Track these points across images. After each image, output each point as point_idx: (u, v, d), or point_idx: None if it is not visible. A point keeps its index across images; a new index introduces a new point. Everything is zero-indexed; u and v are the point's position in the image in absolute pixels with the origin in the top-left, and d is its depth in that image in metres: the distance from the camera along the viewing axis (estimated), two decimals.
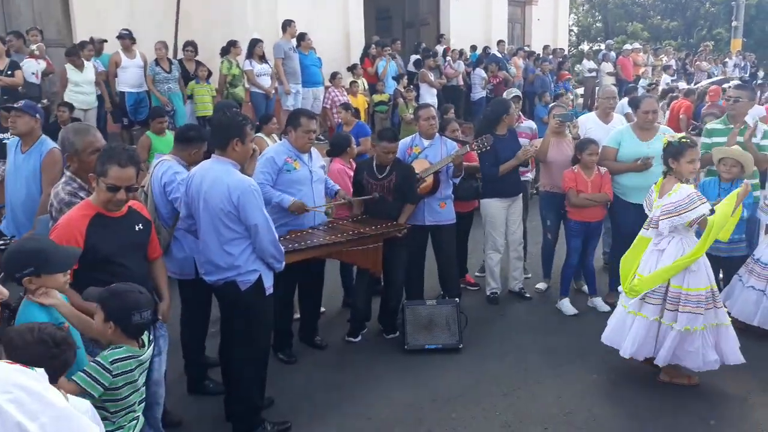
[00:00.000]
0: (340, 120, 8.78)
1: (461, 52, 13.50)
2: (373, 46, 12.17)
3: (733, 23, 22.20)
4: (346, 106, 8.65)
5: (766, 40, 28.82)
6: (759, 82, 15.64)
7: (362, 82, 11.52)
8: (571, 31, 29.85)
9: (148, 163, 5.42)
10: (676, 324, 4.00)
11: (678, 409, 3.95)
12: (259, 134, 6.95)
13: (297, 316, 5.36)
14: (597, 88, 14.02)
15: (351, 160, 5.69)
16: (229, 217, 3.40)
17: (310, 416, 3.98)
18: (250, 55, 9.52)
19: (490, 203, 5.71)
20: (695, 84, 14.84)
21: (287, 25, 9.99)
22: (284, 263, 3.66)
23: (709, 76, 17.56)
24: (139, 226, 3.17)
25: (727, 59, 19.87)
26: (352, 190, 5.14)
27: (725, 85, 11.38)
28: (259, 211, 3.41)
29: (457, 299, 5.08)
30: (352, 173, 5.30)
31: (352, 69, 11.56)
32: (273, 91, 9.69)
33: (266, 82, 9.60)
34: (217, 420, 3.87)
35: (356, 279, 5.22)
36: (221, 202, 3.37)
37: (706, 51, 19.96)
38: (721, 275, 5.15)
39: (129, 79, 8.99)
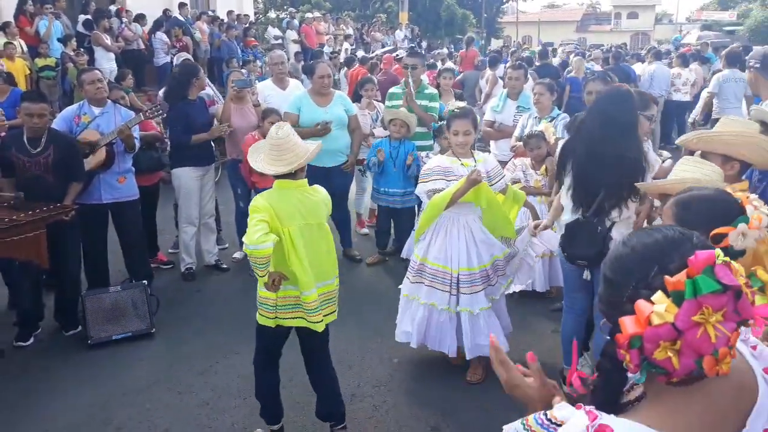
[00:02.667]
0: None
1: (141, 15, 12.50)
2: (30, 2, 10.51)
3: None
4: None
5: (427, 13, 32.73)
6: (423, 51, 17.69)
7: (20, 44, 9.91)
8: None
9: None
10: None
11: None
12: None
13: None
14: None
15: None
16: None
17: None
18: None
19: (183, 172, 5.41)
20: (371, 53, 16.13)
21: None
22: None
23: (383, 46, 19.28)
24: None
25: (397, 30, 22.02)
26: None
27: (395, 54, 12.59)
28: None
29: (145, 281, 4.71)
30: None
31: (4, 28, 9.85)
32: None
33: None
34: None
35: (19, 273, 4.47)
36: None
37: (379, 22, 21.83)
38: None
39: None
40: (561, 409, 1.11)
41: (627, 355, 1.00)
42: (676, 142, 3.31)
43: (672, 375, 0.98)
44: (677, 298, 0.97)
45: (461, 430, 3.45)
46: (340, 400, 3.31)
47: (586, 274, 3.44)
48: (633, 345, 0.99)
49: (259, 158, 3.01)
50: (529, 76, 7.18)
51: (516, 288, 4.25)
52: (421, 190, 3.82)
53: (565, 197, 3.43)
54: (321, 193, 3.14)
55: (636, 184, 3.08)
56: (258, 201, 2.95)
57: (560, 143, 3.72)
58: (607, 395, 1.09)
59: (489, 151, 6.29)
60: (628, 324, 0.99)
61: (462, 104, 3.94)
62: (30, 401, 3.73)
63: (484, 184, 3.64)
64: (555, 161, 4.87)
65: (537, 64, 11.38)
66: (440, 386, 3.72)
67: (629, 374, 1.09)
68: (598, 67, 11.51)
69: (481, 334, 3.71)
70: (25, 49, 10.11)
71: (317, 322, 3.02)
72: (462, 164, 3.72)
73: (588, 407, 1.06)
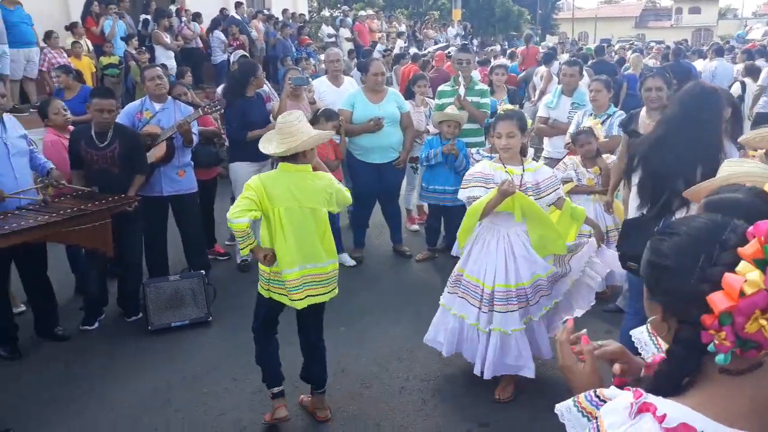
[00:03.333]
0: (59, 84, 7.76)
1: (197, 14, 12.85)
2: (96, 3, 10.96)
3: None
4: (65, 69, 7.70)
5: (480, 10, 32.44)
6: (476, 48, 17.58)
7: (86, 43, 10.36)
8: None
9: None
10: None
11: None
12: None
13: (21, 309, 4.74)
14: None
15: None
16: None
17: (39, 419, 3.53)
18: None
19: (240, 167, 5.55)
20: (424, 50, 16.12)
21: None
22: None
23: (436, 43, 19.23)
24: None
25: (449, 27, 21.93)
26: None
27: (447, 51, 12.56)
28: None
29: (203, 271, 4.87)
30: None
31: (71, 28, 10.30)
32: None
33: None
34: None
35: (86, 260, 4.71)
36: None
37: (432, 19, 21.78)
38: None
39: None
40: (610, 389, 1.13)
41: (721, 334, 0.98)
42: (738, 140, 3.20)
43: (763, 347, 0.97)
44: (761, 265, 0.97)
45: (509, 427, 3.46)
46: (321, 368, 3.51)
47: None
48: (723, 322, 0.98)
49: (272, 142, 3.19)
50: (584, 72, 7.07)
51: (578, 313, 3.78)
52: (461, 195, 3.62)
53: (632, 195, 3.28)
54: (324, 180, 3.26)
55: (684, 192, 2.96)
56: (252, 180, 3.18)
57: (623, 140, 3.62)
58: (673, 381, 1.09)
59: (542, 148, 6.25)
60: (719, 300, 0.98)
61: (511, 106, 3.78)
62: (94, 383, 3.92)
63: (519, 195, 3.40)
64: (611, 160, 4.80)
65: (593, 60, 11.16)
66: (489, 383, 3.73)
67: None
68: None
69: (510, 354, 3.51)
70: (91, 47, 10.55)
71: (297, 300, 3.19)
72: (506, 171, 3.50)
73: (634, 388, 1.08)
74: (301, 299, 3.20)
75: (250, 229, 3.10)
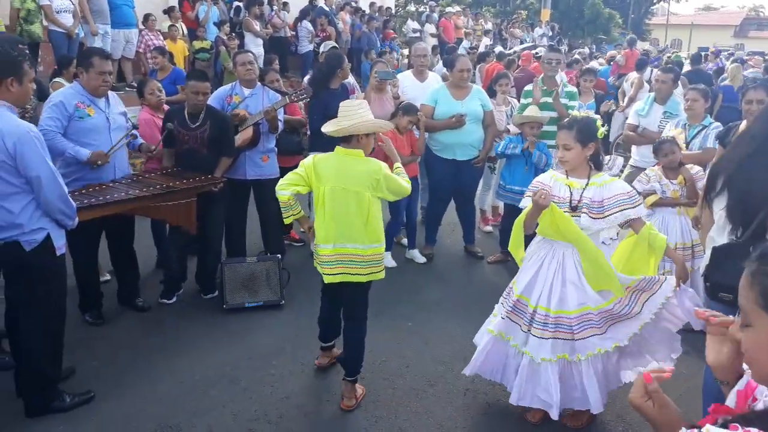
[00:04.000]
0: (154, 65, 8.11)
1: (285, 3, 13.11)
2: None
3: None
4: (161, 51, 8.04)
5: (569, 12, 31.63)
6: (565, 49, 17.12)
7: (181, 27, 10.77)
8: None
9: None
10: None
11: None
12: (58, 79, 6.25)
13: (107, 278, 4.99)
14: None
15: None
16: (5, 168, 2.95)
17: (116, 384, 3.70)
18: None
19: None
20: (509, 49, 15.86)
21: None
22: (77, 220, 3.29)
23: (522, 43, 18.88)
24: None
25: (536, 27, 21.48)
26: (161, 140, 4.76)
27: (534, 51, 12.30)
28: (42, 161, 3.00)
29: (279, 255, 4.98)
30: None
31: (169, 12, 10.74)
32: (76, 31, 8.66)
33: (67, 20, 8.53)
34: (9, 397, 3.44)
35: (169, 237, 4.90)
36: None
37: (519, 19, 21.38)
38: None
39: None
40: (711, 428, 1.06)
41: None
42: None
43: None
44: None
45: None
46: (352, 355, 3.57)
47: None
48: None
49: (331, 124, 3.38)
50: (678, 81, 6.75)
51: (653, 366, 3.20)
52: (521, 204, 3.43)
53: (718, 220, 2.93)
54: (372, 165, 3.33)
55: None
56: (307, 159, 3.45)
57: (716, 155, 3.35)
58: None
59: (629, 156, 6.02)
60: None
61: (584, 113, 3.36)
62: (168, 355, 4.07)
63: (555, 210, 3.06)
64: (695, 171, 4.54)
65: (688, 68, 10.66)
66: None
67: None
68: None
69: (538, 386, 3.21)
70: (186, 32, 10.95)
71: (329, 274, 3.38)
72: (567, 184, 3.19)
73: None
74: (333, 274, 3.37)
75: (294, 201, 3.36)
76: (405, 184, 3.43)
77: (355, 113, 3.29)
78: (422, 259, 5.76)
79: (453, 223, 6.31)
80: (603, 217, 3.11)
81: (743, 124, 4.10)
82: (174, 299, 4.82)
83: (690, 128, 4.99)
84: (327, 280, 3.40)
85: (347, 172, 3.29)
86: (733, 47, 36.87)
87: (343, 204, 3.29)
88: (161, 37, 10.05)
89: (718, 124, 4.99)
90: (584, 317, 3.15)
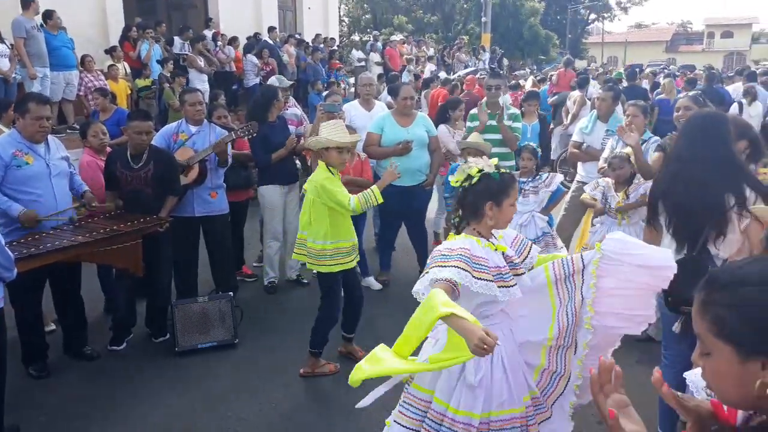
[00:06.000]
0: (95, 106, 7.95)
1: (234, 38, 13.10)
2: (135, 28, 11.26)
3: (483, 19, 24.55)
4: (102, 92, 7.87)
5: (509, 34, 32.55)
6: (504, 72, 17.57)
7: (123, 66, 10.62)
8: (342, 21, 30.77)
9: None
10: None
11: None
12: None
13: (52, 327, 4.80)
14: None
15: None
16: None
17: None
18: None
19: (267, 190, 5.60)
20: (453, 74, 16.17)
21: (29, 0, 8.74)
22: (16, 271, 3.17)
23: (466, 67, 19.29)
24: None
25: (481, 51, 21.97)
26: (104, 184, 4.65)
27: (478, 75, 12.59)
28: None
29: (231, 293, 4.88)
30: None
31: (110, 51, 10.60)
32: (13, 75, 8.45)
33: (3, 64, 8.32)
34: None
35: (116, 281, 4.76)
36: None
37: (461, 44, 21.86)
38: None
39: None
40: None
41: None
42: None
43: None
44: None
45: None
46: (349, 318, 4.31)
47: (676, 327, 2.97)
48: None
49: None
50: (618, 100, 6.99)
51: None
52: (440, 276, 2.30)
53: (666, 240, 3.03)
54: (315, 175, 3.93)
55: (751, 208, 2.82)
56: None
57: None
58: None
59: (575, 172, 6.18)
60: None
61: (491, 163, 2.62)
62: (119, 402, 3.93)
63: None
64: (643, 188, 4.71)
65: (624, 85, 11.07)
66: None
67: None
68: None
69: None
70: (128, 70, 10.81)
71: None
72: (495, 249, 2.54)
73: None
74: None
75: (360, 197, 3.88)
76: (341, 198, 3.82)
77: (324, 131, 3.88)
78: (378, 286, 5.74)
79: (408, 247, 6.32)
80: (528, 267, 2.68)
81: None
82: (124, 345, 4.67)
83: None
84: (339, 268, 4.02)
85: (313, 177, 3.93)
86: (664, 62, 38.57)
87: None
88: (102, 77, 9.89)
89: (657, 138, 5.18)
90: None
